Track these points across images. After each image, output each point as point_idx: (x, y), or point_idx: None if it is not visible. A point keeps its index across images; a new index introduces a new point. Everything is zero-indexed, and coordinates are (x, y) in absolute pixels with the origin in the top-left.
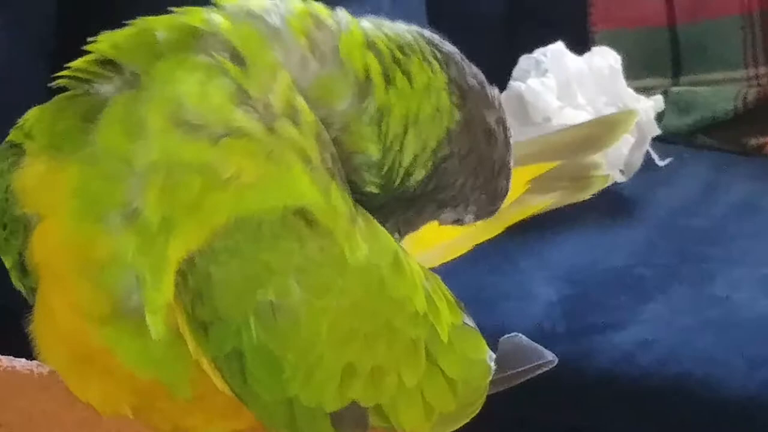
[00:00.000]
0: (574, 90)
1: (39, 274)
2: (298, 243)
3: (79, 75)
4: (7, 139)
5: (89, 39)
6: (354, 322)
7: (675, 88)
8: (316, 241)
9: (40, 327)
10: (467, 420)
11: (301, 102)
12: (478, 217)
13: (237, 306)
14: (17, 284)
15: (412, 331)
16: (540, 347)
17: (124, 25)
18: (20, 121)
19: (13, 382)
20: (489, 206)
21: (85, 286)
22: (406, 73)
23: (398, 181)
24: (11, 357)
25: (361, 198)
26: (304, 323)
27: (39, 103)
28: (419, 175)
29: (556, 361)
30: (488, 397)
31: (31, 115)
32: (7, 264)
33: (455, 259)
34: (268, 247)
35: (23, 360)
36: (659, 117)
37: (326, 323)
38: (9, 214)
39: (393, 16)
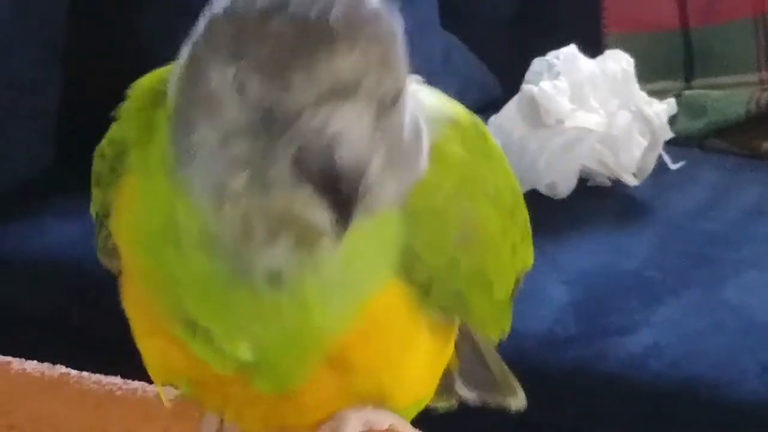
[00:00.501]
0: (586, 93)
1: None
2: (452, 193)
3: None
4: None
5: None
6: (504, 208)
7: (687, 92)
8: (454, 177)
9: (124, 282)
10: None
11: None
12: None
13: (444, 255)
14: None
15: (515, 185)
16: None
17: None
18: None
19: (23, 384)
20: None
21: (153, 291)
22: None
23: None
24: (22, 359)
25: None
26: (483, 236)
27: (51, 106)
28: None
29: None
30: None
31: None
32: (96, 198)
33: None
34: (436, 203)
35: (34, 362)
36: (672, 120)
37: (495, 224)
38: (117, 164)
39: (405, 19)
